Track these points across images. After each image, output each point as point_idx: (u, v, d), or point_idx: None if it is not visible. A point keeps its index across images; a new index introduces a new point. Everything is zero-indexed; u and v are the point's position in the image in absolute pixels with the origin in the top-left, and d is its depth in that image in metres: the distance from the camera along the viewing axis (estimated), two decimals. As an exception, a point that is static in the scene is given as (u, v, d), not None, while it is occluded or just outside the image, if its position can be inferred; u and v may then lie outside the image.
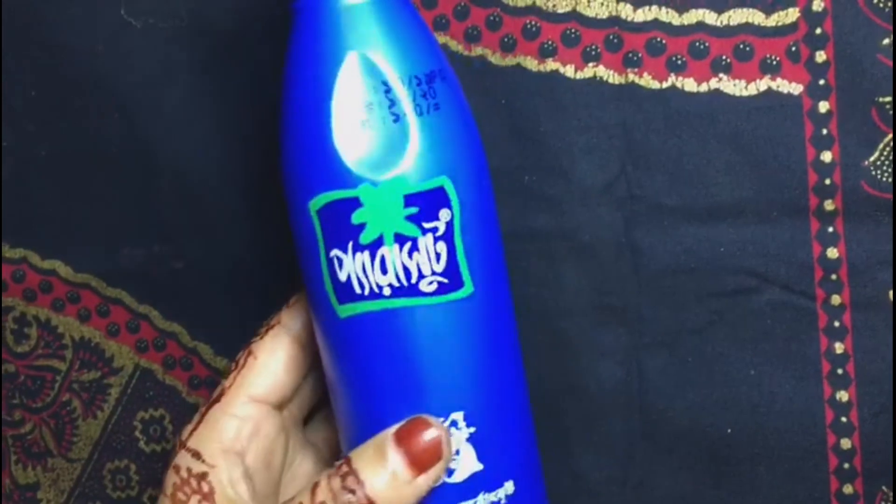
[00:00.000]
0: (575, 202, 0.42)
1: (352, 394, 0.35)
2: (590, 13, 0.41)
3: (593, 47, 0.41)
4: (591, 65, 0.41)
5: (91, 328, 0.47)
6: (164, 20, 0.44)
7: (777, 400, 0.42)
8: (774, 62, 0.40)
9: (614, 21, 0.41)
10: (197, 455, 0.36)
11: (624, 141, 0.41)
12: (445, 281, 0.33)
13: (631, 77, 0.41)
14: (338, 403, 0.36)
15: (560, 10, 0.41)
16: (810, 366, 0.42)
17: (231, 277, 0.46)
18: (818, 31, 0.39)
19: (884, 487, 0.42)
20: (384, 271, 0.33)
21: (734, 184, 0.41)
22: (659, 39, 0.41)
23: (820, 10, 0.39)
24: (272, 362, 0.38)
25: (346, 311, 0.34)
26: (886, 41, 0.39)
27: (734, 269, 0.41)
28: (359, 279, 0.33)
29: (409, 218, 0.33)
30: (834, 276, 0.41)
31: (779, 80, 0.40)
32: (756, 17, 0.40)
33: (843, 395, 0.42)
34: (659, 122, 0.41)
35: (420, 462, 0.33)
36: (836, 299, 0.41)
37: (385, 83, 0.32)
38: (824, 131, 0.40)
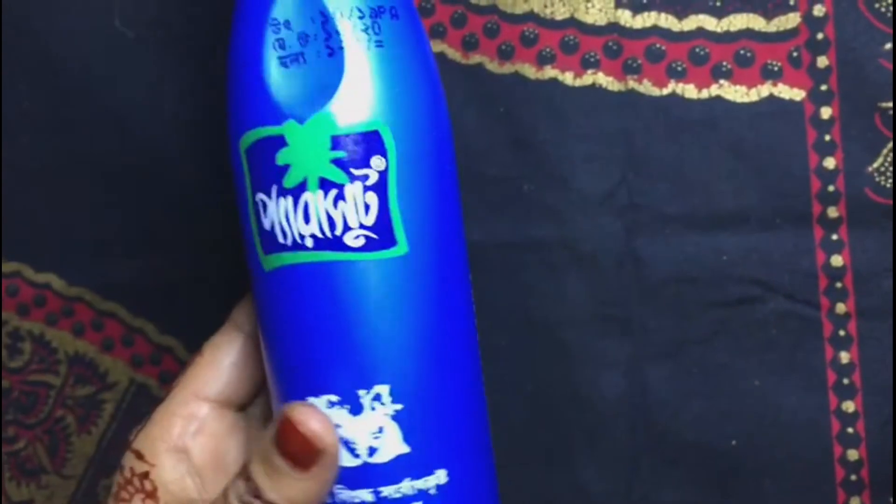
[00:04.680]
0: (575, 211, 0.42)
1: (279, 351, 0.32)
2: (588, 20, 0.41)
3: (592, 54, 0.41)
4: (590, 72, 0.41)
5: (85, 342, 0.47)
6: (158, 30, 0.43)
7: (782, 411, 0.41)
8: (776, 68, 0.39)
9: (613, 28, 0.40)
10: (139, 455, 0.36)
11: (624, 149, 0.41)
12: (374, 236, 0.30)
13: (631, 84, 0.41)
14: (266, 358, 0.34)
15: (558, 17, 0.41)
16: (816, 376, 0.41)
17: (227, 291, 0.45)
18: (819, 35, 0.39)
19: (891, 499, 0.41)
20: (307, 220, 0.30)
21: (736, 191, 0.40)
22: (658, 46, 0.40)
23: (821, 14, 0.39)
24: (220, 360, 0.37)
25: (270, 262, 0.31)
26: (888, 46, 0.38)
27: (737, 279, 0.41)
28: (282, 227, 0.30)
29: (336, 162, 0.29)
30: (839, 285, 0.40)
31: (780, 85, 0.40)
32: (757, 22, 0.39)
33: (849, 406, 0.41)
34: (660, 130, 0.40)
35: (302, 462, 0.31)
36: (841, 308, 0.41)
37: (323, 13, 0.30)
38: (827, 137, 0.40)
